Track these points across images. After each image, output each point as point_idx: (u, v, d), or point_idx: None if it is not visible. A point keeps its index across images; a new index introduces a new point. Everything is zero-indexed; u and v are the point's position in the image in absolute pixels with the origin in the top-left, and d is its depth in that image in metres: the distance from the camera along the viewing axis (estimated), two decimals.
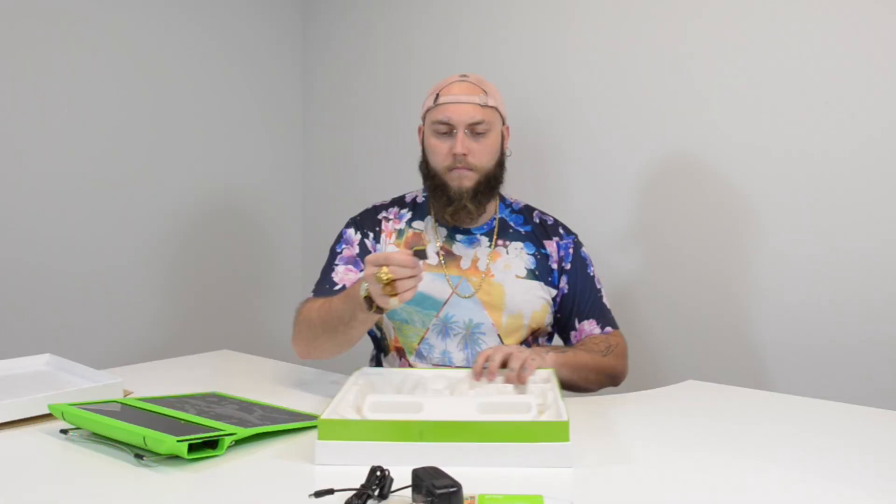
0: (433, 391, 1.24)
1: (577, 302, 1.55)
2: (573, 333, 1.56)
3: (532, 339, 1.53)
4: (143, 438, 0.94)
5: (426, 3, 2.56)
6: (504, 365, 1.27)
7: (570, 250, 1.56)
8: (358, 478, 0.86)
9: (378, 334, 1.56)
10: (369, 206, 1.61)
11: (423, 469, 0.83)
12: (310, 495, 0.85)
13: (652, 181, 2.08)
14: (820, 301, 1.83)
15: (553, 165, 2.25)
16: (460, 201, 1.45)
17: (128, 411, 1.10)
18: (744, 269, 1.94)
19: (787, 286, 1.87)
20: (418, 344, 1.47)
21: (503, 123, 1.52)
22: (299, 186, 2.97)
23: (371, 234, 1.54)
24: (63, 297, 2.28)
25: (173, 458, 0.96)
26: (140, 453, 0.96)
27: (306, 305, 1.44)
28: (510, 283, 1.49)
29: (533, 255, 1.53)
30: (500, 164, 1.51)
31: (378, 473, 0.85)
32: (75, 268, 2.31)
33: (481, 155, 1.45)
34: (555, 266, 1.54)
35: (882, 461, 1.02)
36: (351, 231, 1.55)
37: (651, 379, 2.03)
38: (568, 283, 1.54)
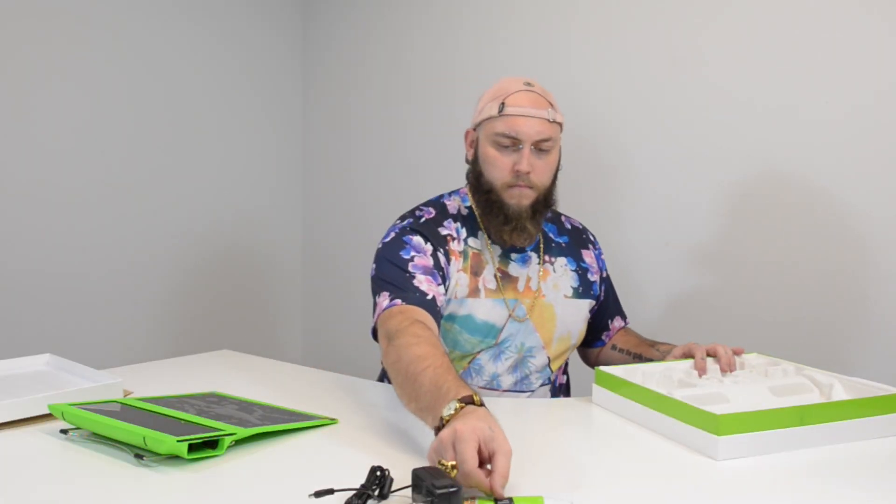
0: (689, 384, 1.24)
1: (609, 304, 1.57)
2: (605, 334, 1.58)
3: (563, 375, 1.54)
4: (143, 438, 0.94)
5: (426, 3, 2.56)
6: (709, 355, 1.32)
7: (602, 256, 1.57)
8: (357, 478, 0.86)
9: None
10: (415, 211, 1.44)
11: (423, 469, 0.83)
12: (310, 495, 0.85)
13: (648, 181, 2.08)
14: (820, 301, 1.83)
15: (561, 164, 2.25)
16: (519, 220, 1.34)
17: (128, 411, 1.10)
18: (744, 269, 1.94)
19: (787, 286, 1.87)
20: (468, 364, 1.40)
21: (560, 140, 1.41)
22: (299, 186, 2.97)
23: (442, 251, 1.37)
24: (64, 298, 2.28)
25: (173, 458, 0.96)
26: (140, 453, 0.96)
27: (403, 326, 1.19)
28: (560, 305, 1.44)
29: (575, 271, 1.49)
30: (555, 181, 1.40)
31: (378, 473, 0.85)
32: (75, 268, 2.31)
33: (543, 173, 1.35)
34: (594, 278, 1.52)
35: (882, 461, 1.01)
36: (420, 240, 1.36)
37: None
38: (603, 289, 1.55)
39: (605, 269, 1.57)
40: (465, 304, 1.37)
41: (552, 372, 1.45)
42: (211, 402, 1.20)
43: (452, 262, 1.38)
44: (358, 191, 2.78)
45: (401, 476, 0.85)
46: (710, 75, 1.97)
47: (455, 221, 1.42)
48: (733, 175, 1.94)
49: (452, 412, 0.94)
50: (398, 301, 1.26)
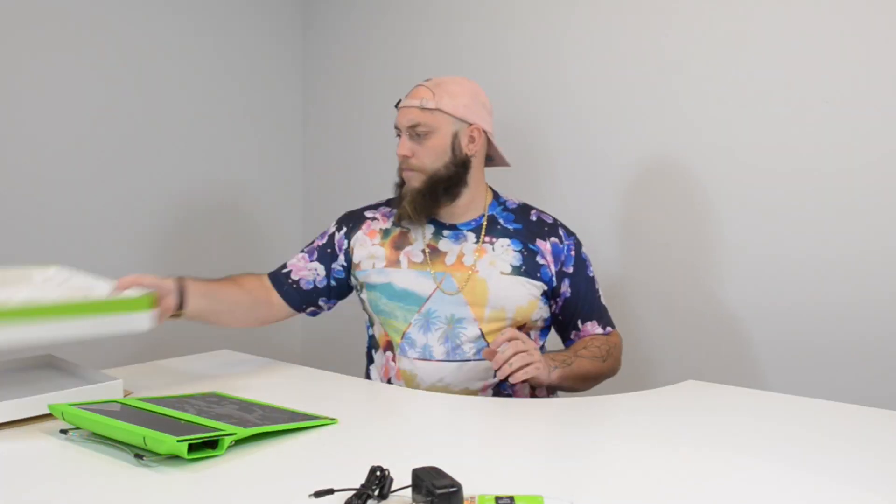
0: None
1: (580, 304, 1.57)
2: (574, 333, 1.59)
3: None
4: (143, 438, 0.94)
5: (426, 2, 2.56)
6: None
7: (572, 252, 1.57)
8: (358, 478, 0.86)
9: (371, 332, 1.61)
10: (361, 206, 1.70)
11: (423, 469, 0.83)
12: (310, 495, 0.85)
13: (651, 181, 2.08)
14: (820, 301, 1.83)
15: (552, 164, 2.25)
16: (405, 198, 1.53)
17: (128, 411, 1.10)
18: (744, 269, 1.94)
19: (787, 286, 1.87)
20: (401, 339, 1.51)
21: (468, 125, 1.51)
22: (299, 186, 2.97)
23: (345, 229, 1.63)
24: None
25: (173, 458, 0.96)
26: (140, 453, 0.96)
27: (250, 275, 1.68)
28: (494, 280, 1.50)
29: (520, 251, 1.54)
30: (456, 166, 1.51)
31: (378, 473, 0.85)
32: (74, 267, 2.31)
33: (424, 157, 1.50)
34: (543, 262, 1.54)
35: (882, 461, 1.01)
36: (332, 225, 1.67)
37: (651, 379, 2.04)
38: (570, 286, 1.56)
39: (574, 266, 1.56)
40: (384, 273, 1.54)
41: (488, 345, 1.47)
42: (211, 402, 1.20)
43: (364, 239, 1.59)
44: (358, 191, 2.78)
45: (401, 476, 0.85)
46: (707, 78, 1.97)
47: (393, 207, 1.61)
48: (732, 175, 1.94)
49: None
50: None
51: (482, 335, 1.49)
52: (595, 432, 1.12)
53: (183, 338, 2.56)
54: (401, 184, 1.56)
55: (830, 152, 1.80)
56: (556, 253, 1.55)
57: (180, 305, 1.47)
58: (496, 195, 1.63)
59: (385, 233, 1.59)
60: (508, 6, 2.34)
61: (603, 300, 1.62)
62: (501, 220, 1.58)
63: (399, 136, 1.53)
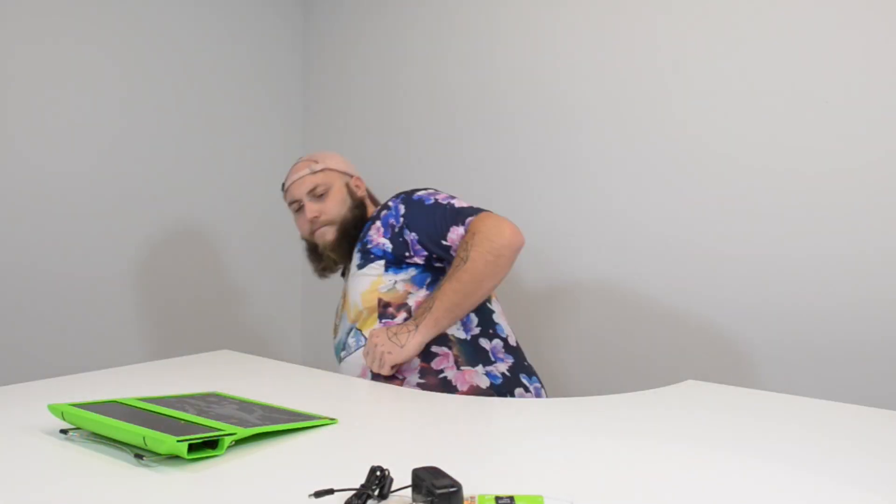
0: None
1: (430, 229, 1.58)
2: (451, 250, 1.57)
3: (383, 310, 1.62)
4: (143, 438, 0.94)
5: (427, 2, 2.56)
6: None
7: (400, 206, 1.64)
8: (358, 478, 0.86)
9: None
10: None
11: (423, 469, 0.83)
12: (310, 495, 0.85)
13: (651, 181, 2.08)
14: (819, 301, 1.83)
15: (544, 165, 2.25)
16: (326, 252, 1.72)
17: (128, 411, 1.10)
18: (743, 269, 1.94)
19: (786, 286, 1.87)
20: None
21: (350, 176, 1.78)
22: None
23: None
24: (65, 298, 2.28)
25: (173, 458, 0.96)
26: (140, 453, 0.96)
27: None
28: (349, 286, 1.67)
29: (359, 251, 1.67)
30: (358, 207, 1.74)
31: (378, 473, 0.85)
32: (76, 268, 2.31)
33: (329, 210, 1.71)
34: (373, 244, 1.63)
35: (882, 461, 1.01)
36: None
37: (651, 379, 2.04)
38: (411, 228, 1.60)
39: (404, 216, 1.61)
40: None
41: (362, 333, 1.62)
42: (211, 402, 1.20)
43: None
44: None
45: (401, 476, 0.85)
46: (705, 77, 1.96)
47: (311, 264, 1.85)
48: (730, 174, 1.94)
49: None
50: (485, 211, 1.56)
51: (355, 327, 1.64)
52: (595, 432, 1.12)
53: (183, 338, 2.56)
54: (313, 247, 1.75)
55: (828, 152, 1.80)
56: (385, 222, 1.64)
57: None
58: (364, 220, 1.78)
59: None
60: (508, 5, 2.34)
61: (459, 204, 1.60)
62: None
63: (298, 210, 1.73)
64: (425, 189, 1.68)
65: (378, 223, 1.66)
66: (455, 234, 1.55)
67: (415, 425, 1.14)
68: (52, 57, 2.23)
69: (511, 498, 0.81)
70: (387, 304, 1.63)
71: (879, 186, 1.74)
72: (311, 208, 1.71)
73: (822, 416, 1.25)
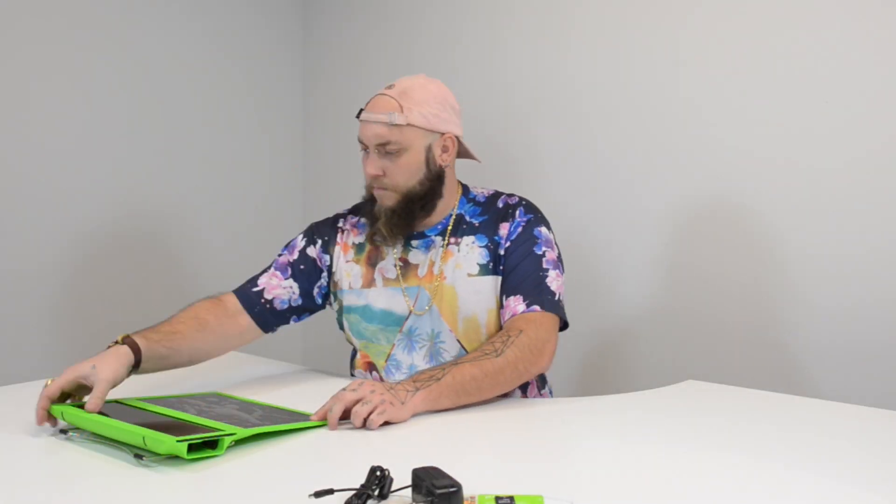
0: None
1: (511, 277, 1.38)
2: (501, 312, 1.39)
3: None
4: (143, 438, 0.94)
5: (426, 2, 2.56)
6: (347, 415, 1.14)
7: (520, 228, 1.42)
8: (358, 478, 0.86)
9: (352, 353, 1.53)
10: (334, 213, 1.56)
11: (423, 469, 0.83)
12: (310, 495, 0.85)
13: (648, 181, 2.08)
14: (819, 301, 1.83)
15: (549, 164, 2.25)
16: (380, 218, 1.40)
17: (128, 411, 1.10)
18: (743, 269, 1.94)
19: (786, 286, 1.87)
20: (385, 361, 1.43)
21: (440, 135, 1.39)
22: (299, 186, 2.97)
23: (320, 242, 1.49)
24: (64, 298, 2.28)
25: (173, 457, 0.96)
26: (140, 453, 0.96)
27: (200, 302, 1.44)
28: (461, 285, 1.39)
29: (485, 246, 1.41)
30: (431, 180, 1.39)
31: (378, 473, 0.85)
32: (77, 269, 2.31)
33: (396, 175, 1.37)
34: (503, 250, 1.42)
35: (882, 461, 1.01)
36: (299, 238, 1.51)
37: (651, 379, 2.03)
38: (505, 262, 1.40)
39: (513, 241, 1.41)
40: (362, 295, 1.44)
41: None
42: (211, 402, 1.20)
43: (337, 253, 1.48)
44: (358, 191, 2.77)
45: (401, 476, 0.85)
46: (708, 80, 1.97)
47: (364, 217, 1.48)
48: (727, 173, 1.94)
49: (110, 345, 1.22)
50: (231, 290, 1.48)
51: (462, 349, 1.39)
52: (595, 432, 1.12)
53: None
54: (370, 199, 1.43)
55: (830, 151, 1.80)
56: (509, 233, 1.42)
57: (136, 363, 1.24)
58: (466, 190, 1.50)
59: (358, 248, 1.48)
60: (509, 6, 2.34)
61: (551, 286, 1.37)
62: (468, 216, 1.45)
63: (365, 150, 1.39)
64: (548, 228, 1.46)
65: (508, 224, 1.42)
66: (514, 305, 1.35)
67: (415, 425, 1.14)
68: (53, 58, 2.23)
69: (511, 498, 0.81)
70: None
71: (878, 185, 1.74)
72: (375, 164, 1.37)
73: (822, 416, 1.25)
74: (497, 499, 0.81)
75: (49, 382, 1.11)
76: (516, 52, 2.32)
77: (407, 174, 1.37)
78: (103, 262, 2.38)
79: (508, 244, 1.41)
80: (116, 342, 1.22)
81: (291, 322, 1.51)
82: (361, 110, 1.39)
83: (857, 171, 1.77)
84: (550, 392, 1.55)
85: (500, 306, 1.40)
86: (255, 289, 1.45)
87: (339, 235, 1.49)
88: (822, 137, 1.81)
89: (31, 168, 2.20)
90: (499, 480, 0.91)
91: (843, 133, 1.78)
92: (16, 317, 2.19)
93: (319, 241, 1.49)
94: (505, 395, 1.42)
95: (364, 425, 1.11)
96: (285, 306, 1.47)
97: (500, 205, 1.47)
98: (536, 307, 1.34)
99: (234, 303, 1.44)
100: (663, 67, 2.03)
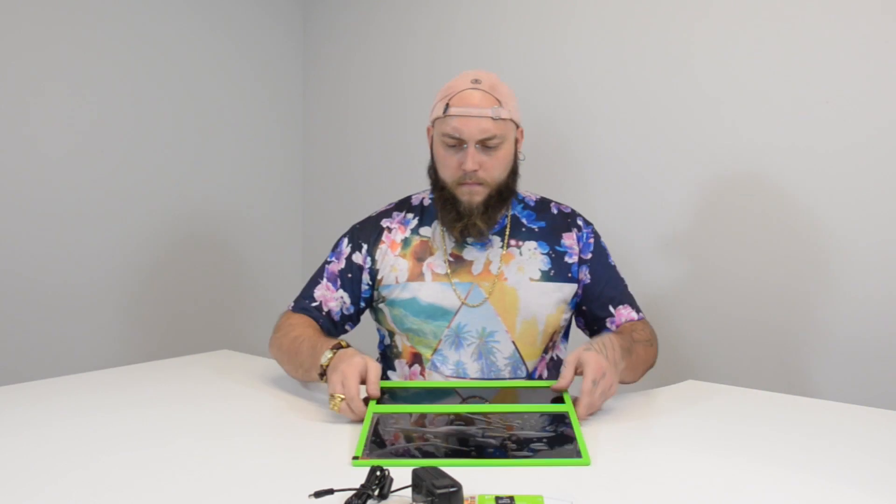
0: None
1: (606, 289, 1.49)
2: (610, 321, 1.49)
3: (550, 342, 1.48)
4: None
5: (426, 2, 2.56)
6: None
7: (591, 240, 1.50)
8: (358, 478, 0.86)
9: (388, 342, 1.52)
10: (375, 211, 1.56)
11: (423, 469, 0.83)
12: (310, 495, 0.85)
13: (648, 182, 2.08)
14: (820, 301, 1.83)
15: (550, 159, 2.24)
16: (470, 218, 1.39)
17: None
18: (743, 269, 1.94)
19: (786, 286, 1.87)
20: (432, 355, 1.43)
21: (518, 127, 1.44)
22: (299, 186, 2.97)
23: (365, 247, 1.49)
24: (64, 298, 2.28)
25: (172, 456, 0.95)
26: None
27: (284, 323, 1.46)
28: (524, 288, 1.43)
29: (547, 254, 1.46)
30: (514, 172, 1.45)
31: (378, 473, 0.85)
32: (78, 269, 2.31)
33: (493, 169, 1.39)
34: (572, 260, 1.48)
35: (882, 461, 1.01)
36: (345, 242, 1.51)
37: (651, 379, 2.03)
38: (591, 272, 1.49)
39: (593, 253, 1.50)
40: (407, 288, 1.45)
41: (524, 361, 1.43)
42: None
43: (384, 252, 1.48)
44: (358, 190, 2.78)
45: (401, 476, 0.85)
46: (721, 78, 1.96)
47: (409, 213, 1.52)
48: (736, 175, 1.94)
49: (329, 358, 1.23)
50: (291, 305, 1.51)
51: (517, 350, 1.42)
52: (595, 432, 1.12)
53: (183, 338, 2.56)
54: (451, 199, 1.41)
55: (832, 153, 1.80)
56: (577, 244, 1.49)
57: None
58: (515, 191, 1.52)
59: (405, 243, 1.48)
60: (509, 4, 2.34)
61: (631, 293, 1.54)
62: (524, 220, 1.50)
63: (455, 146, 1.38)
64: (601, 237, 1.54)
65: (574, 235, 1.49)
66: (628, 314, 1.49)
67: None
68: (54, 60, 2.23)
69: (511, 498, 0.81)
70: (555, 343, 1.50)
71: (877, 187, 1.74)
72: (476, 159, 1.36)
73: (823, 416, 1.25)
74: (497, 499, 0.81)
75: (337, 398, 1.14)
76: (518, 49, 2.32)
77: (503, 166, 1.41)
78: (100, 264, 2.38)
79: (589, 256, 1.49)
80: (340, 346, 1.27)
81: (347, 328, 1.54)
82: (448, 106, 1.38)
83: (866, 166, 1.77)
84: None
85: (594, 313, 1.50)
86: (314, 304, 1.49)
87: (384, 234, 1.50)
88: (827, 139, 1.81)
89: (31, 169, 2.20)
90: (499, 480, 0.91)
91: (851, 125, 1.78)
92: (16, 317, 2.19)
93: (365, 246, 1.49)
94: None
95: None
96: (339, 317, 1.50)
97: (555, 211, 1.53)
98: (642, 314, 1.52)
99: (304, 320, 1.47)
100: (677, 59, 2.03)
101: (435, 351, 1.43)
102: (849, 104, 1.77)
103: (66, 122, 2.27)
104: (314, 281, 1.51)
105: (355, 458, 0.97)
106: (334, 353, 1.24)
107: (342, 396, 1.13)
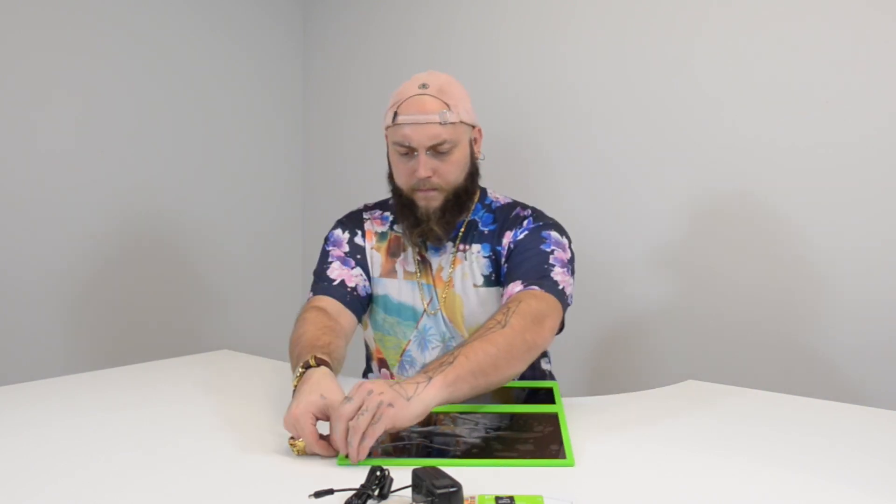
0: None
1: (510, 264, 1.36)
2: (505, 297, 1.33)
3: None
4: None
5: (426, 2, 2.56)
6: None
7: (525, 233, 1.39)
8: (358, 478, 0.86)
9: (365, 337, 1.53)
10: (356, 208, 1.57)
11: (423, 469, 0.83)
12: (310, 495, 0.85)
13: (648, 183, 2.08)
14: (820, 301, 1.83)
15: (546, 162, 2.25)
16: (427, 223, 1.37)
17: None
18: (743, 269, 1.94)
19: (786, 286, 1.87)
20: (400, 356, 1.43)
21: (473, 128, 1.40)
22: (299, 186, 2.97)
23: (359, 233, 1.49)
24: (64, 298, 2.28)
25: (173, 456, 0.95)
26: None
27: (301, 315, 1.35)
28: (468, 295, 1.40)
29: (488, 257, 1.41)
30: (472, 174, 1.41)
31: (378, 473, 0.85)
32: (79, 270, 2.31)
33: (447, 173, 1.36)
34: (504, 259, 1.40)
35: (882, 461, 1.01)
36: (338, 231, 1.50)
37: (651, 379, 2.04)
38: (508, 262, 1.37)
39: (518, 241, 1.38)
40: (380, 284, 1.44)
41: None
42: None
43: (367, 241, 1.47)
44: (358, 190, 2.78)
45: (401, 476, 0.85)
46: (713, 79, 1.96)
47: (385, 210, 1.51)
48: (735, 175, 1.94)
49: (296, 380, 1.09)
50: (310, 294, 1.41)
51: None
52: (594, 432, 1.12)
53: (183, 338, 2.56)
54: (409, 204, 1.38)
55: (830, 152, 1.80)
56: (511, 240, 1.39)
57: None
58: (483, 195, 1.48)
59: (381, 236, 1.47)
60: (508, 4, 2.34)
61: (556, 278, 1.31)
62: (480, 223, 1.44)
63: (406, 153, 1.35)
64: (562, 234, 1.40)
65: (513, 233, 1.40)
66: (513, 289, 1.29)
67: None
68: (54, 60, 2.23)
69: (511, 498, 0.81)
70: None
71: (876, 188, 1.74)
72: (428, 164, 1.33)
73: (822, 416, 1.25)
74: (497, 499, 0.81)
75: (293, 441, 0.99)
76: (517, 52, 2.32)
77: (457, 171, 1.37)
78: (102, 264, 2.38)
79: (512, 246, 1.39)
80: (309, 366, 1.10)
81: (367, 309, 1.48)
82: (396, 114, 1.35)
83: (861, 169, 1.77)
84: (549, 361, 1.55)
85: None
86: (335, 283, 1.41)
87: (365, 224, 1.50)
88: (823, 139, 1.81)
89: (31, 169, 2.20)
90: (499, 480, 0.91)
91: (851, 126, 1.78)
92: (15, 318, 2.19)
93: (359, 232, 1.49)
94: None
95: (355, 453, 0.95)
96: (363, 293, 1.44)
97: (513, 214, 1.44)
98: (535, 287, 1.28)
99: (329, 303, 1.38)
100: (670, 66, 2.03)
101: (403, 352, 1.43)
102: (849, 105, 1.77)
103: (66, 122, 2.27)
104: (323, 269, 1.44)
105: (338, 456, 0.97)
106: (299, 376, 1.09)
107: (301, 444, 0.98)
